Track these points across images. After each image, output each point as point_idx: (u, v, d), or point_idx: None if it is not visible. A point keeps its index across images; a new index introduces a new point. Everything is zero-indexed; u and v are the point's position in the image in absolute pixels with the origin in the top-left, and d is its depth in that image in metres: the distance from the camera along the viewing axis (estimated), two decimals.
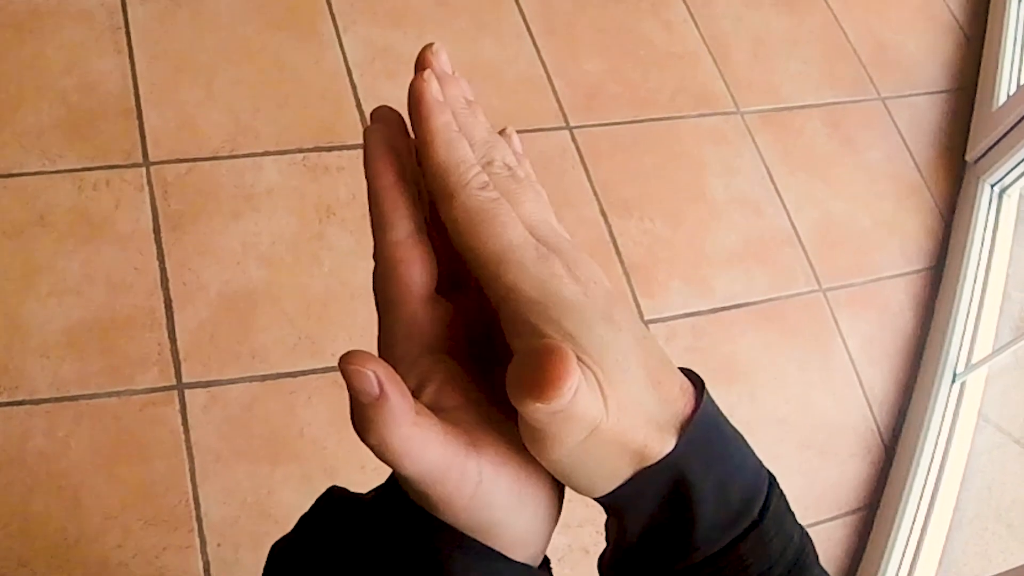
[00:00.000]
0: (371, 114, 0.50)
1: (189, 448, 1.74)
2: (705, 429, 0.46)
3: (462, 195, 0.45)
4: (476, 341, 0.50)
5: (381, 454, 0.41)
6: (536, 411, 0.40)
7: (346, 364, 0.39)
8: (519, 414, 0.43)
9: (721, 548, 0.46)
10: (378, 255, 0.48)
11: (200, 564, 1.67)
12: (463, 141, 0.47)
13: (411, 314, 0.47)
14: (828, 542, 2.03)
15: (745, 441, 0.49)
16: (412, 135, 0.49)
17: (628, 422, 0.43)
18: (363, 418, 0.40)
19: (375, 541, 0.46)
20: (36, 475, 1.67)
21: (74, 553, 1.63)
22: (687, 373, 0.48)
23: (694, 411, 0.46)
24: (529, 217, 0.47)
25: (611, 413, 0.42)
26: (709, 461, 0.46)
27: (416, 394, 0.45)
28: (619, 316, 0.45)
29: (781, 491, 0.49)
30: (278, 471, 1.76)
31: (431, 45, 0.51)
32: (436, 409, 0.45)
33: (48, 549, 1.62)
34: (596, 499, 0.47)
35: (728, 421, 0.49)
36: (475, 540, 0.45)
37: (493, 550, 0.46)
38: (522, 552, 0.47)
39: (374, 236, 0.48)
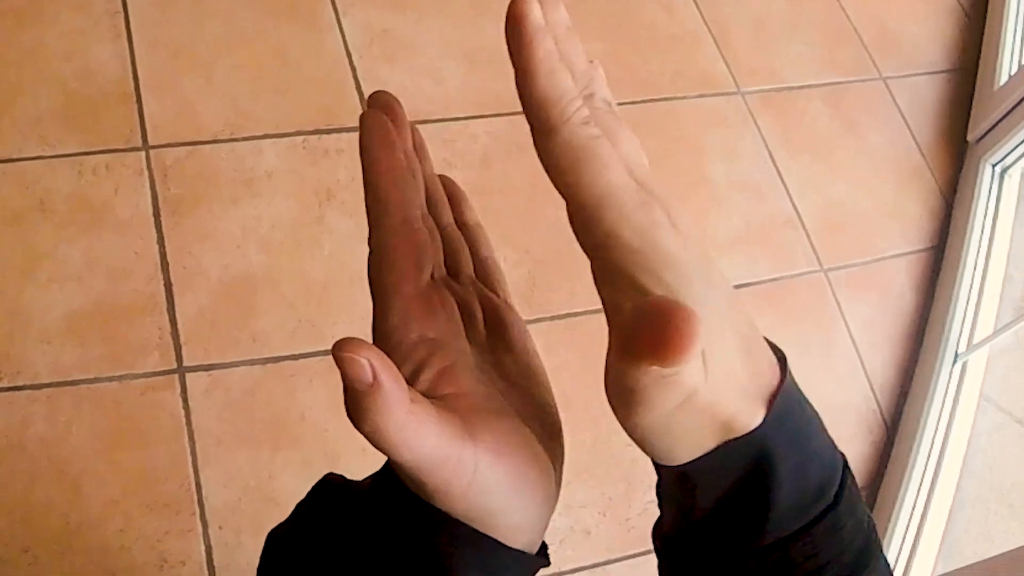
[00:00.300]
0: (368, 99, 0.50)
1: (190, 432, 1.74)
2: (790, 405, 0.45)
3: (564, 131, 0.41)
4: (472, 328, 0.50)
5: (376, 442, 0.40)
6: (648, 373, 0.39)
7: (339, 352, 0.38)
8: (611, 371, 0.42)
9: (793, 532, 0.45)
10: (373, 241, 0.48)
11: (202, 548, 1.67)
12: (566, 72, 0.42)
13: (406, 301, 0.47)
14: None
15: (821, 420, 0.48)
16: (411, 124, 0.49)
17: (722, 391, 0.42)
18: (357, 406, 0.39)
19: (371, 529, 0.46)
20: (37, 461, 1.67)
21: (76, 538, 1.63)
22: (769, 345, 0.48)
23: (780, 385, 0.45)
24: (628, 158, 0.43)
25: (708, 381, 0.41)
26: (792, 439, 0.45)
27: (411, 381, 0.45)
28: (716, 274, 0.43)
29: (853, 475, 0.48)
30: (279, 455, 1.76)
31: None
32: (432, 396, 0.45)
33: (50, 535, 1.62)
34: (665, 467, 0.46)
35: (807, 400, 0.48)
36: (471, 527, 0.45)
37: (489, 537, 0.45)
38: (519, 539, 0.47)
39: (369, 222, 0.48)
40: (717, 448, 0.43)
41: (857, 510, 0.47)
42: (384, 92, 0.50)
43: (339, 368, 0.38)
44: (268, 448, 1.77)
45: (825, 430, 0.48)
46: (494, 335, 0.52)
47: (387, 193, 0.47)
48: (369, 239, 0.48)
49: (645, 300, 0.40)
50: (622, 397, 0.42)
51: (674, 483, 0.48)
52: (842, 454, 0.48)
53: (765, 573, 0.46)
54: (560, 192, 0.42)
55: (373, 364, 0.38)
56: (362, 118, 0.48)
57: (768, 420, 0.43)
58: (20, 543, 1.61)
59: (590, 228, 0.42)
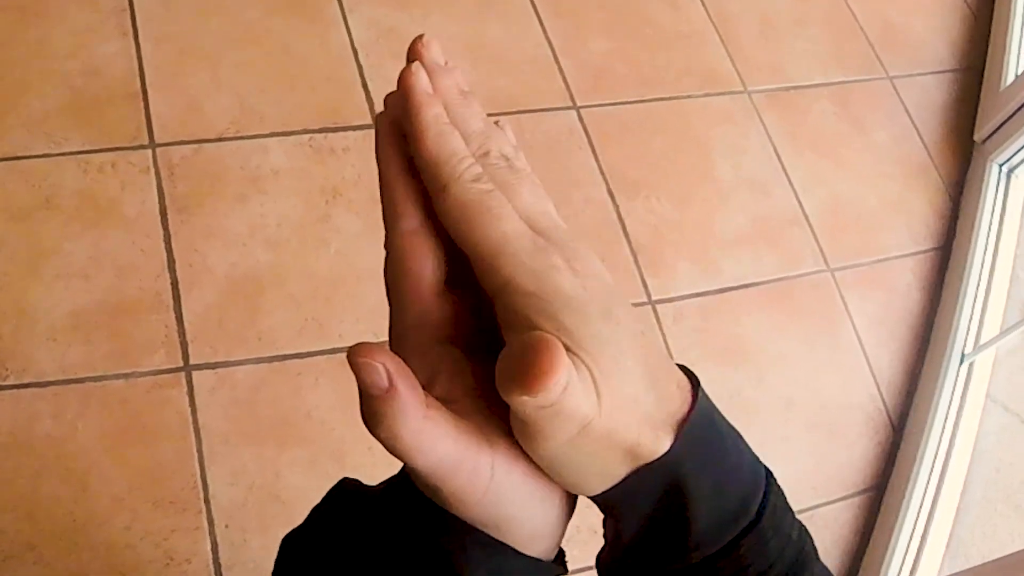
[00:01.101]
0: (384, 100, 0.49)
1: (197, 430, 1.74)
2: (701, 428, 0.45)
3: (455, 187, 0.44)
4: (483, 335, 0.50)
5: (391, 448, 0.40)
6: (524, 404, 0.39)
7: (355, 357, 0.38)
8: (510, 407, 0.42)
9: (719, 549, 0.45)
10: (389, 245, 0.47)
11: (208, 546, 1.67)
12: (454, 133, 0.46)
13: (422, 305, 0.47)
14: (836, 523, 2.03)
15: (741, 438, 0.48)
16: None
17: (622, 420, 0.42)
18: (373, 411, 0.39)
19: (385, 534, 0.46)
20: (44, 458, 1.67)
21: (82, 536, 1.63)
22: (682, 370, 0.48)
23: (690, 410, 0.45)
24: (527, 208, 0.46)
25: (604, 410, 0.41)
26: (705, 461, 0.45)
27: (427, 386, 0.44)
28: (618, 311, 0.44)
29: (779, 488, 0.48)
30: (285, 453, 1.76)
31: (421, 37, 0.50)
32: (447, 401, 0.44)
33: (56, 532, 1.62)
34: (591, 498, 0.47)
35: (724, 418, 0.48)
36: (486, 534, 0.45)
37: (505, 544, 0.45)
38: (535, 546, 0.47)
39: (386, 225, 0.47)
40: (628, 476, 0.44)
41: (784, 523, 0.47)
42: (394, 94, 0.49)
43: (355, 373, 0.38)
44: (274, 446, 1.76)
45: (747, 448, 0.48)
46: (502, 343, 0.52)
47: (403, 196, 0.47)
48: (385, 241, 0.47)
49: (517, 337, 0.41)
50: (519, 430, 0.43)
51: (605, 514, 0.48)
52: (766, 469, 0.48)
53: None
54: (459, 246, 0.45)
55: (389, 369, 0.39)
56: (377, 119, 0.48)
57: (676, 445, 0.43)
58: (26, 540, 1.61)
59: (489, 277, 0.44)
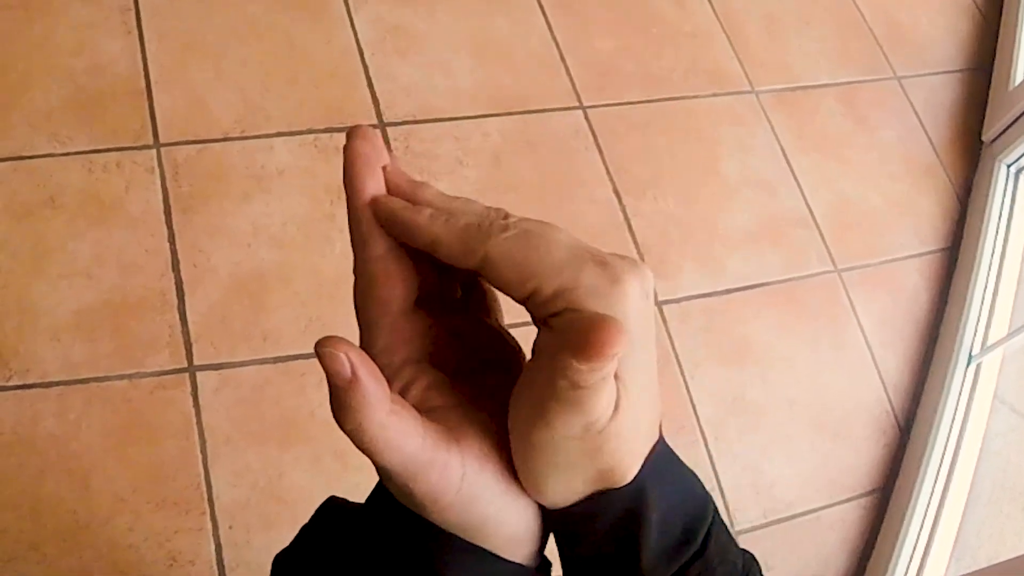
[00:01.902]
0: (347, 132, 0.49)
1: (200, 430, 1.74)
2: (663, 459, 0.47)
3: (494, 239, 0.44)
4: (458, 351, 0.50)
5: (358, 442, 0.41)
6: (568, 369, 0.39)
7: (320, 347, 0.39)
8: (519, 396, 0.44)
9: None
10: (357, 270, 0.48)
11: (211, 547, 1.67)
12: (454, 215, 0.46)
13: (391, 327, 0.47)
14: (842, 524, 2.02)
15: (691, 471, 0.50)
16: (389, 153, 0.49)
17: (615, 443, 0.43)
18: (339, 403, 0.40)
19: (370, 547, 0.47)
20: (47, 457, 1.66)
21: (84, 536, 1.63)
22: None
23: (658, 441, 0.47)
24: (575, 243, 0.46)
25: (610, 427, 0.42)
26: (661, 492, 0.46)
27: (400, 396, 0.45)
28: (653, 340, 0.45)
29: (721, 519, 0.50)
30: (289, 453, 1.76)
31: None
32: (420, 410, 0.45)
33: (58, 532, 1.62)
34: (551, 517, 0.48)
35: (673, 451, 0.49)
36: (467, 541, 0.45)
37: (484, 549, 0.46)
38: (517, 551, 0.47)
39: (354, 251, 0.48)
40: (592, 497, 0.45)
41: (729, 553, 0.49)
42: (362, 126, 0.49)
43: (320, 363, 0.39)
44: (278, 446, 1.76)
45: (696, 479, 0.50)
46: (486, 359, 0.52)
47: (369, 224, 0.47)
48: (354, 266, 0.49)
49: (585, 315, 0.41)
50: (528, 409, 0.43)
51: (559, 536, 0.49)
52: (712, 500, 0.49)
53: None
54: (513, 292, 0.44)
55: (352, 359, 0.39)
56: (345, 150, 0.48)
57: (642, 475, 0.45)
58: (28, 539, 1.61)
59: (552, 301, 0.43)
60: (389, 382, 0.44)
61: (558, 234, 0.45)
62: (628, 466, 0.44)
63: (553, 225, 0.46)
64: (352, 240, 0.48)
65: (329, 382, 0.39)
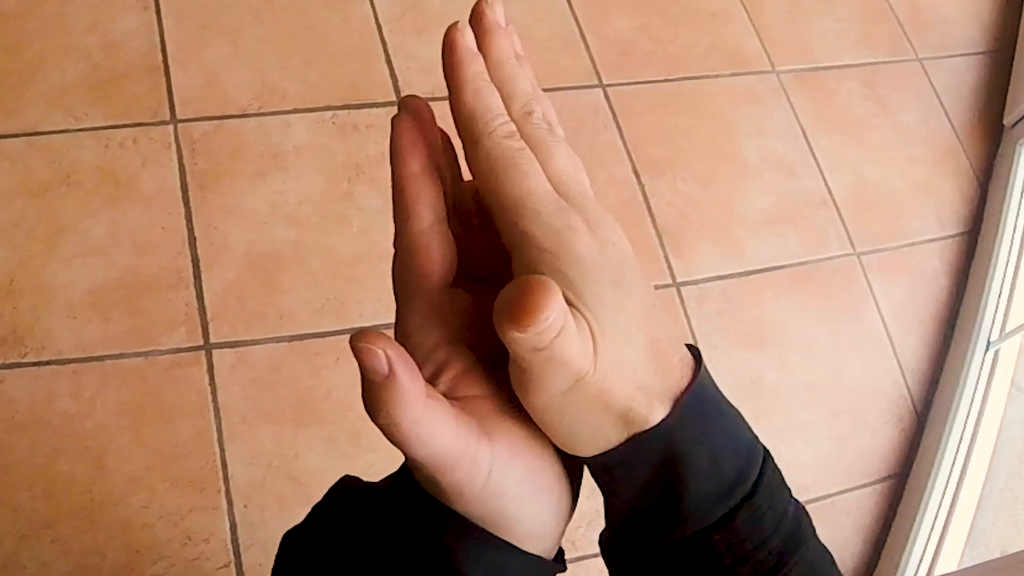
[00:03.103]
0: (399, 102, 0.49)
1: (216, 409, 1.74)
2: (699, 403, 0.46)
3: (486, 142, 0.46)
4: (494, 334, 0.50)
5: (391, 436, 0.41)
6: (515, 342, 0.40)
7: (356, 342, 0.39)
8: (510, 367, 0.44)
9: (714, 521, 0.45)
10: (398, 243, 0.48)
11: (226, 526, 1.67)
12: (491, 89, 0.48)
13: (429, 303, 0.47)
14: (858, 510, 2.02)
15: (741, 417, 0.49)
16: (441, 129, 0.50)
17: (616, 381, 0.43)
18: (373, 397, 0.40)
19: (385, 530, 0.47)
20: (61, 436, 1.66)
21: (99, 515, 1.63)
22: (688, 348, 0.49)
23: (690, 384, 0.46)
24: (558, 171, 0.47)
25: (599, 368, 0.42)
26: (701, 434, 0.45)
27: (432, 382, 0.45)
28: (630, 281, 0.45)
29: (775, 466, 0.49)
30: (304, 433, 1.76)
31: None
32: (451, 397, 0.45)
33: (73, 510, 1.62)
34: (588, 465, 0.48)
35: (724, 397, 0.49)
36: (485, 531, 0.45)
37: (503, 541, 0.45)
38: (535, 544, 0.47)
39: (395, 224, 0.48)
40: (623, 443, 0.45)
41: (779, 499, 0.48)
42: (414, 96, 0.50)
43: (356, 358, 0.39)
44: (293, 426, 1.76)
45: (745, 426, 0.49)
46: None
47: (414, 197, 0.48)
48: (394, 241, 0.48)
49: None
50: (515, 377, 0.44)
51: (602, 487, 0.48)
52: (764, 447, 0.49)
53: (693, 563, 0.46)
54: (484, 199, 0.47)
55: (389, 356, 0.39)
56: (393, 121, 0.48)
57: (672, 416, 0.44)
58: (43, 518, 1.61)
59: (508, 231, 0.45)
60: (421, 364, 0.45)
61: (554, 160, 0.47)
62: (644, 403, 0.44)
63: (559, 148, 0.48)
64: (395, 212, 0.48)
65: (363, 377, 0.40)
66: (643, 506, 0.46)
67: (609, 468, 0.46)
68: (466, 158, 0.47)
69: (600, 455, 0.45)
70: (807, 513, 0.50)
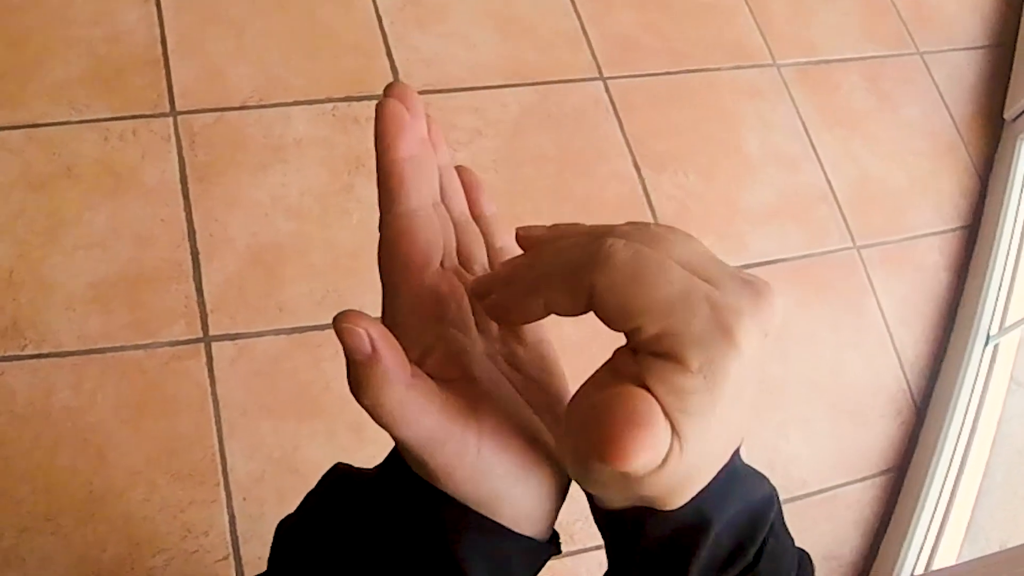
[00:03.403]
0: (384, 89, 0.49)
1: (215, 402, 1.74)
2: (729, 479, 0.44)
3: (612, 258, 0.39)
4: (483, 317, 0.50)
5: (376, 416, 0.41)
6: (596, 469, 0.39)
7: (339, 322, 0.39)
8: (573, 415, 0.41)
9: None
10: (383, 228, 0.48)
11: (226, 519, 1.67)
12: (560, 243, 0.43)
13: (414, 288, 0.47)
14: (857, 504, 2.02)
15: (755, 475, 0.48)
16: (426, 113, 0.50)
17: (662, 488, 0.41)
18: (357, 377, 0.40)
19: (377, 515, 0.47)
20: (61, 429, 1.66)
21: (99, 507, 1.63)
22: None
23: (724, 467, 0.43)
24: (687, 258, 0.41)
25: (662, 476, 0.39)
26: (724, 502, 0.44)
27: (418, 364, 0.45)
28: (752, 387, 0.41)
29: (782, 522, 0.49)
30: (304, 426, 1.76)
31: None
32: (438, 380, 0.45)
33: (73, 503, 1.62)
34: (600, 513, 0.47)
35: (741, 460, 0.47)
36: (477, 512, 0.45)
37: (496, 522, 0.46)
38: (529, 526, 0.47)
39: (380, 209, 0.48)
40: (647, 508, 0.43)
41: (783, 563, 0.48)
42: (399, 83, 0.49)
43: (339, 339, 0.39)
44: (293, 419, 1.76)
45: (759, 482, 0.48)
46: (511, 328, 0.52)
47: (399, 181, 0.47)
48: (380, 225, 0.48)
49: (605, 393, 0.39)
50: (571, 451, 0.41)
51: (610, 534, 0.48)
52: (773, 503, 0.48)
53: None
54: (614, 327, 0.40)
55: (372, 335, 0.39)
56: (377, 107, 0.48)
57: (702, 495, 0.43)
58: (43, 511, 1.61)
59: (652, 345, 0.39)
60: (408, 348, 0.44)
61: (674, 257, 0.40)
62: (676, 502, 0.42)
63: (671, 241, 0.41)
64: (379, 197, 0.48)
65: (347, 357, 0.40)
66: (650, 563, 0.46)
67: (624, 522, 0.46)
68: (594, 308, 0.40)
69: (620, 510, 0.45)
70: (811, 562, 0.51)
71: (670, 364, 0.38)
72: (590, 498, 0.47)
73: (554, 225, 0.47)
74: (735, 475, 0.45)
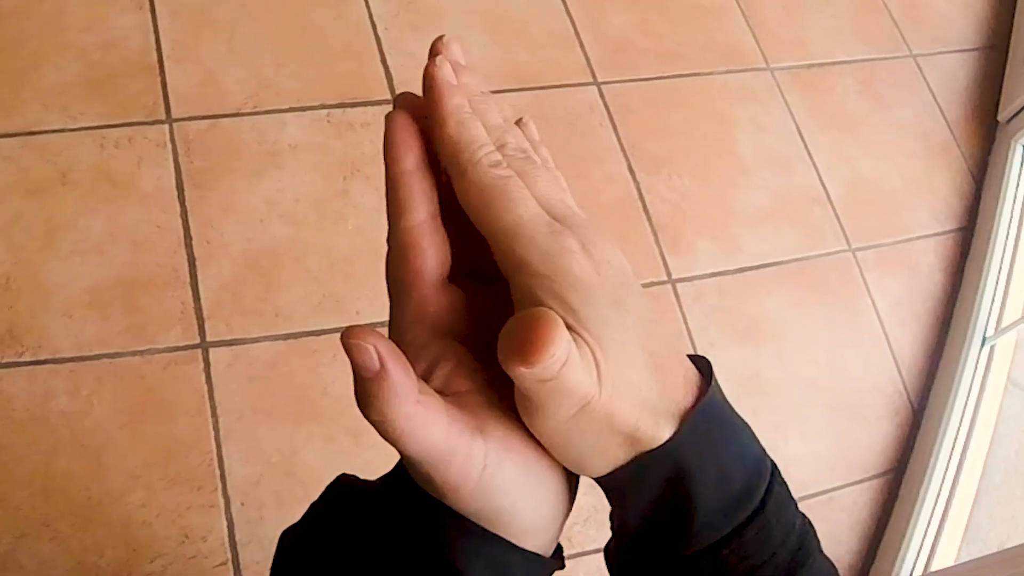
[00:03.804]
0: (394, 99, 0.50)
1: (213, 407, 1.74)
2: (707, 419, 0.46)
3: (473, 172, 0.46)
4: (493, 330, 0.50)
5: (383, 432, 0.41)
6: (523, 376, 0.40)
7: (347, 339, 0.39)
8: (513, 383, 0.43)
9: (723, 536, 0.46)
10: (391, 239, 0.48)
11: (224, 523, 1.67)
12: (475, 121, 0.48)
13: (422, 300, 0.47)
14: (854, 505, 2.02)
15: (749, 429, 0.49)
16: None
17: (621, 403, 0.43)
18: (365, 393, 0.40)
19: (381, 527, 0.47)
20: (59, 434, 1.66)
21: (97, 512, 1.63)
22: (697, 360, 0.49)
23: (696, 400, 0.46)
24: (544, 195, 0.47)
25: (604, 391, 0.42)
26: (709, 450, 0.45)
27: (425, 378, 0.45)
28: (629, 300, 0.45)
29: (783, 479, 0.49)
30: (302, 430, 1.76)
31: (442, 37, 0.51)
32: (445, 393, 0.45)
33: (71, 508, 1.62)
34: (599, 482, 0.48)
35: (734, 411, 0.49)
36: (482, 527, 0.45)
37: (501, 537, 0.46)
38: (531, 540, 0.47)
39: (389, 221, 0.48)
40: (631, 461, 0.45)
41: (787, 513, 0.48)
42: (409, 93, 0.50)
43: (347, 355, 0.39)
44: (291, 423, 1.76)
45: (754, 440, 0.49)
46: None
47: (407, 193, 0.48)
48: (388, 236, 0.49)
49: (519, 312, 0.42)
50: (522, 405, 0.44)
51: (611, 501, 0.49)
52: (771, 460, 0.49)
53: None
54: (477, 228, 0.46)
55: (380, 351, 0.39)
56: (387, 118, 0.49)
57: (679, 434, 0.44)
58: (41, 516, 1.61)
59: (504, 258, 0.45)
60: (415, 360, 0.45)
61: (538, 187, 0.47)
62: (651, 428, 0.44)
63: (544, 174, 0.49)
64: (388, 209, 0.48)
65: (355, 373, 0.40)
66: (652, 522, 0.47)
67: (619, 486, 0.47)
68: (455, 189, 0.47)
69: (609, 474, 0.46)
70: (812, 526, 0.51)
71: (531, 279, 0.44)
72: (602, 485, 0.48)
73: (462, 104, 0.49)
74: (713, 415, 0.47)
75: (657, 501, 0.46)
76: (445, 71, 0.48)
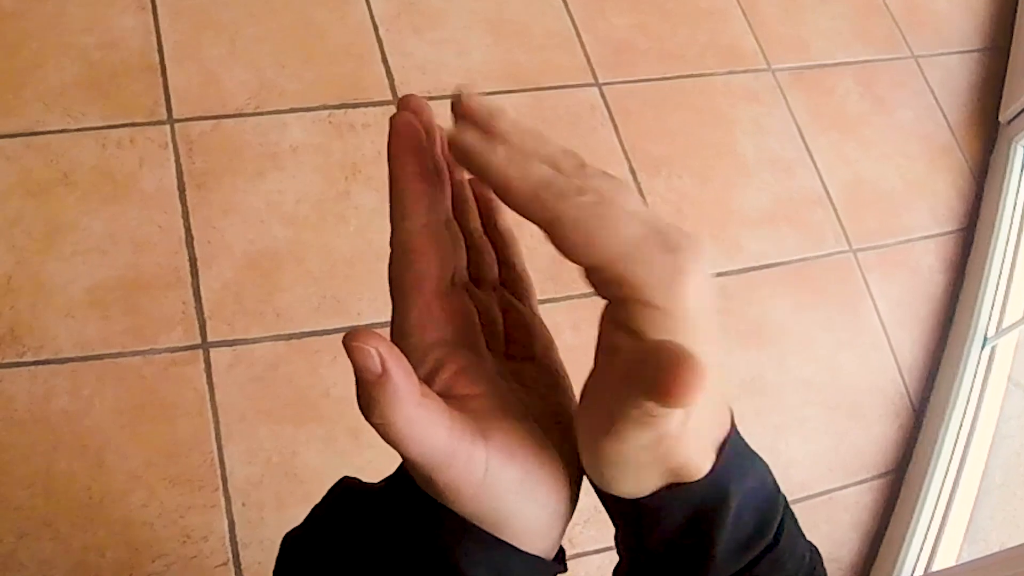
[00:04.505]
0: (399, 101, 0.49)
1: (214, 408, 1.74)
2: (737, 451, 0.46)
3: (566, 209, 0.41)
4: (492, 334, 0.50)
5: (385, 435, 0.40)
6: (638, 408, 0.39)
7: (349, 341, 0.39)
8: (590, 399, 0.43)
9: (739, 569, 0.46)
10: (394, 242, 0.48)
11: (225, 524, 1.67)
12: (530, 159, 0.43)
13: (424, 304, 0.47)
14: (855, 506, 2.02)
15: (762, 460, 0.49)
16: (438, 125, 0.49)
17: (688, 440, 0.43)
18: (367, 397, 0.39)
19: (383, 530, 0.46)
20: (60, 434, 1.66)
21: (98, 513, 1.63)
22: None
23: (730, 432, 0.46)
24: (634, 207, 0.43)
25: (684, 429, 0.41)
26: (738, 481, 0.46)
27: (427, 381, 0.45)
28: (715, 328, 0.43)
29: (791, 512, 0.50)
30: (302, 431, 1.76)
31: (461, 96, 0.46)
32: (448, 397, 0.45)
33: (72, 508, 1.62)
34: (616, 505, 0.47)
35: (745, 442, 0.48)
36: (484, 531, 0.45)
37: (503, 541, 0.45)
38: (534, 544, 0.47)
39: (392, 224, 0.47)
40: (664, 490, 0.45)
41: (798, 546, 0.49)
42: (414, 96, 0.49)
43: (349, 358, 0.39)
44: (291, 424, 1.76)
45: (766, 468, 0.49)
46: (516, 342, 0.52)
47: (411, 195, 0.47)
48: (391, 239, 0.48)
49: (661, 342, 0.39)
50: (597, 421, 0.43)
51: (628, 525, 0.48)
52: (780, 491, 0.49)
53: None
54: (579, 262, 0.42)
55: (382, 354, 0.39)
56: (391, 120, 0.47)
57: (717, 468, 0.44)
58: (42, 516, 1.61)
59: (612, 281, 0.42)
60: (417, 365, 0.45)
61: (630, 204, 0.42)
62: (699, 463, 0.44)
63: (627, 189, 0.44)
64: (391, 212, 0.48)
65: (357, 376, 0.39)
66: (673, 549, 0.47)
67: (643, 512, 0.46)
68: (550, 235, 0.42)
69: (641, 499, 0.46)
70: (820, 556, 0.51)
71: (647, 311, 0.41)
72: (604, 500, 0.48)
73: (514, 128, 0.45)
74: (740, 449, 0.46)
75: (680, 531, 0.46)
76: (469, 136, 0.43)
